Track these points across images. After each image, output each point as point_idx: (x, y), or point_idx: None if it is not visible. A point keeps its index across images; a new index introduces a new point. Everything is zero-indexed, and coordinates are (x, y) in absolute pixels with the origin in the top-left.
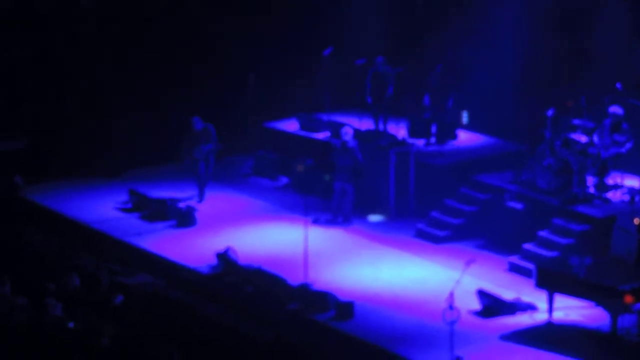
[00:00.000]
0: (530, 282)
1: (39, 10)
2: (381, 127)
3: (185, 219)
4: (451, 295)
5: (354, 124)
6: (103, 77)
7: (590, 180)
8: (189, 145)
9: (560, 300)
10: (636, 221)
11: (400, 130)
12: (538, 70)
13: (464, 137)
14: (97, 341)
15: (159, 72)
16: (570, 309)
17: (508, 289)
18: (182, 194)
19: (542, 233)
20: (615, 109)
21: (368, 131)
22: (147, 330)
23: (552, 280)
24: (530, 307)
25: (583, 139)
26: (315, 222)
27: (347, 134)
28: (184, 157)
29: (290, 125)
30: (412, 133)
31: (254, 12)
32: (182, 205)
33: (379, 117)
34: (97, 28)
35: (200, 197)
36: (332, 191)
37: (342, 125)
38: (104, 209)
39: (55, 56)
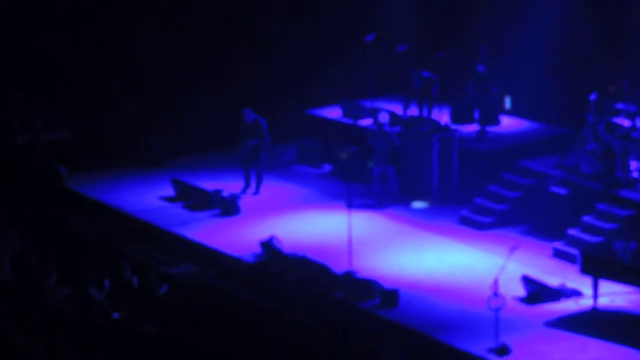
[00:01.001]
0: (575, 268)
1: None
2: (424, 113)
3: (229, 207)
4: (496, 281)
5: (396, 111)
6: (145, 64)
7: (634, 165)
8: (242, 136)
9: (606, 286)
10: None
11: (443, 116)
12: (580, 52)
13: (507, 123)
14: (142, 330)
15: (201, 59)
16: (616, 295)
17: (553, 275)
18: (228, 185)
19: (587, 218)
20: None
21: (411, 117)
22: (192, 319)
23: (597, 266)
24: (576, 293)
25: (626, 123)
26: (351, 206)
27: (384, 117)
28: (239, 148)
29: (333, 112)
30: (455, 119)
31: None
32: (225, 194)
33: (422, 102)
34: (138, 15)
35: (245, 188)
36: (372, 177)
37: (380, 112)
38: (147, 199)
39: (97, 43)
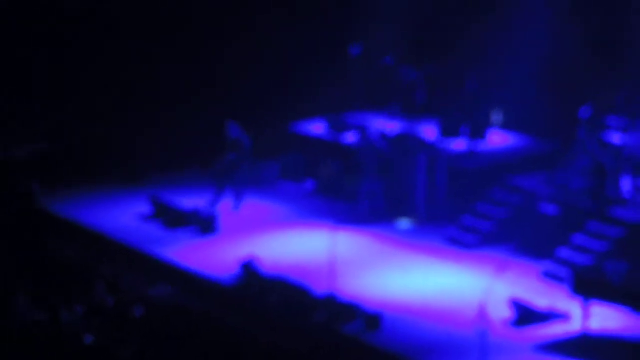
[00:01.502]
0: (565, 290)
1: (60, 6)
2: (411, 128)
3: (207, 226)
4: (483, 304)
5: (383, 126)
6: (123, 80)
7: (626, 183)
8: (223, 150)
9: (596, 309)
10: None
11: (430, 132)
12: (571, 66)
13: (496, 138)
14: (118, 354)
15: (182, 74)
16: (607, 318)
17: (541, 297)
18: (206, 202)
19: (577, 238)
20: None
21: (398, 133)
22: (169, 342)
23: (587, 288)
24: (565, 316)
25: (618, 139)
26: (335, 225)
27: (374, 133)
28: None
29: (318, 128)
30: (443, 134)
31: (279, 11)
32: (204, 212)
33: (408, 117)
34: (119, 28)
35: (215, 203)
36: (359, 194)
37: (367, 127)
38: (124, 217)
39: (77, 60)
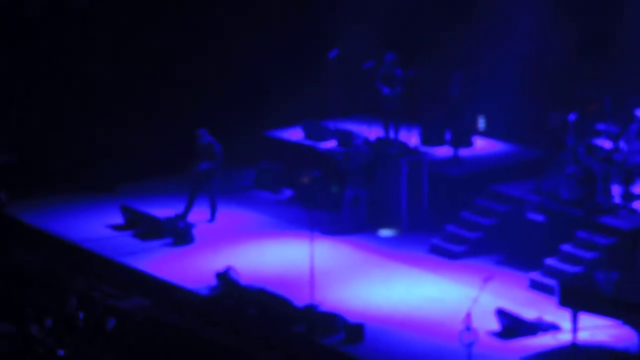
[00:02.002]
0: (553, 300)
1: (27, 14)
2: (392, 134)
3: (182, 236)
4: (468, 315)
5: (362, 132)
6: (93, 86)
7: (616, 190)
8: (192, 159)
9: (586, 319)
10: None
11: (412, 138)
12: (559, 71)
13: (481, 144)
14: None
15: (153, 79)
16: (596, 329)
17: (529, 307)
18: (179, 211)
19: (565, 247)
20: (632, 113)
21: (378, 139)
22: (143, 356)
23: (576, 298)
24: (553, 327)
25: (607, 144)
26: (314, 234)
27: (359, 137)
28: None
29: (295, 134)
30: (425, 140)
31: (254, 15)
32: (178, 221)
33: (389, 123)
34: (88, 36)
35: (187, 213)
36: (342, 202)
37: (349, 133)
38: (95, 227)
39: (42, 64)
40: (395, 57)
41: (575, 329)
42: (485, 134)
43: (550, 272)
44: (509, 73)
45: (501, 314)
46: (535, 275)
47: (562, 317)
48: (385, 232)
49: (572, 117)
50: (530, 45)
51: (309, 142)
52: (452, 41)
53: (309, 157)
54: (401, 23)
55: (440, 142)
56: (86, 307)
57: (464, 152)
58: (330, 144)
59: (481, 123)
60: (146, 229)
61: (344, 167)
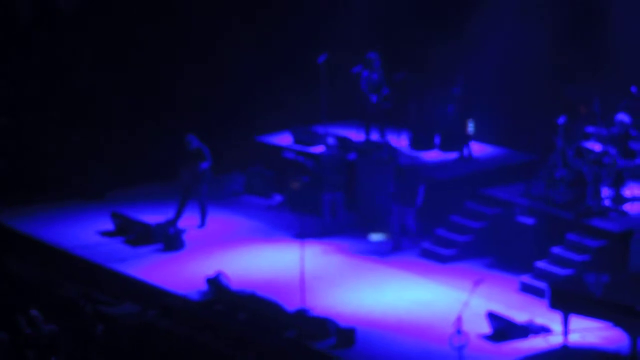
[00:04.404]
0: (544, 303)
1: (16, 19)
2: (380, 138)
3: (172, 242)
4: (459, 318)
5: (352, 136)
6: (84, 92)
7: (606, 192)
8: (182, 164)
9: (576, 322)
10: None
11: (401, 142)
12: (548, 73)
13: (471, 148)
14: None
15: (143, 85)
16: (587, 331)
17: (520, 310)
18: (169, 217)
19: (556, 250)
20: (622, 117)
21: (367, 143)
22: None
23: (566, 301)
24: (544, 330)
25: (597, 147)
26: (304, 239)
27: (332, 140)
28: (179, 176)
29: (284, 139)
30: (415, 144)
31: (244, 21)
32: (168, 227)
33: (378, 126)
34: (77, 43)
35: (177, 219)
36: (321, 205)
37: (338, 137)
38: (85, 233)
39: (32, 71)
40: (378, 56)
41: (566, 332)
42: (475, 137)
43: (541, 274)
44: (500, 77)
45: (492, 317)
46: (526, 278)
47: (552, 320)
48: (375, 237)
49: (561, 120)
50: (521, 50)
51: (298, 147)
52: (441, 45)
53: (299, 162)
54: (390, 27)
55: (430, 147)
56: (75, 313)
57: (456, 155)
58: (320, 149)
59: (470, 127)
60: (137, 235)
61: (317, 171)
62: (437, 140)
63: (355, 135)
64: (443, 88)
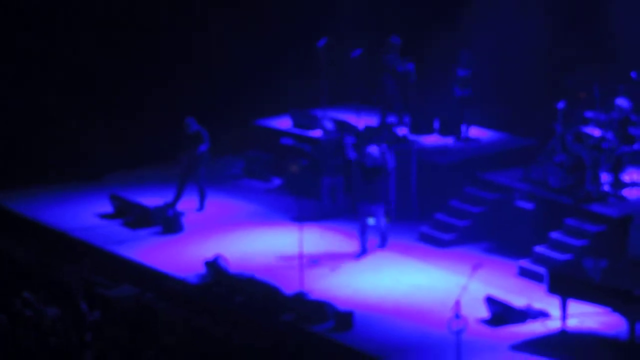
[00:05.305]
0: (542, 288)
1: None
2: (381, 122)
3: (171, 225)
4: (457, 302)
5: (352, 120)
6: (81, 74)
7: (605, 177)
8: (181, 147)
9: (575, 307)
10: None
11: (401, 126)
12: (547, 58)
13: (470, 133)
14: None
15: (142, 66)
16: (585, 316)
17: (518, 295)
18: (168, 200)
19: (555, 234)
20: (621, 102)
21: (367, 128)
22: (131, 346)
23: (565, 285)
24: (543, 315)
25: (596, 132)
26: (303, 223)
27: (329, 124)
28: (178, 159)
29: (283, 123)
30: (414, 129)
31: (242, 3)
32: (167, 210)
33: (390, 111)
34: (77, 23)
35: (176, 201)
36: (320, 190)
37: (338, 121)
38: (83, 216)
39: (29, 52)
40: (400, 42)
41: (564, 316)
42: (475, 122)
43: (540, 259)
44: (499, 62)
45: (490, 301)
46: (525, 263)
47: (551, 305)
48: (374, 220)
49: (560, 105)
50: (522, 35)
51: (297, 131)
52: (444, 29)
53: (298, 146)
54: (391, 11)
55: (430, 131)
56: (72, 296)
57: (456, 139)
58: (319, 133)
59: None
60: (135, 217)
61: (316, 156)
62: (436, 124)
63: (356, 119)
64: (444, 71)
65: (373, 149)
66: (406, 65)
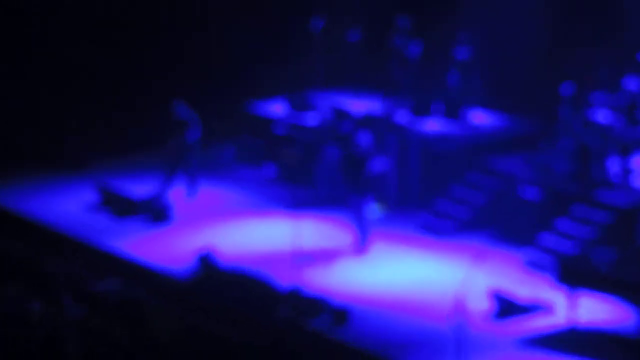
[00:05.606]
0: (548, 278)
1: None
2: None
3: (159, 215)
4: (460, 295)
5: (349, 104)
6: (65, 59)
7: (612, 165)
8: (172, 133)
9: (582, 298)
10: None
11: (401, 111)
12: (553, 40)
13: (473, 117)
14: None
15: (128, 50)
16: (593, 307)
17: (524, 287)
18: (157, 189)
19: (561, 224)
20: (629, 86)
21: (367, 115)
22: (117, 342)
23: (572, 276)
24: (549, 308)
25: (602, 117)
26: (298, 213)
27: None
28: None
29: (279, 107)
30: (416, 111)
31: None
32: (155, 199)
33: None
34: (60, 8)
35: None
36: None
37: (335, 108)
38: (68, 206)
39: (9, 41)
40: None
41: (572, 309)
42: (477, 105)
43: (545, 249)
44: (502, 44)
45: (494, 294)
46: (530, 254)
47: (557, 296)
48: (373, 210)
49: (566, 90)
50: (526, 16)
51: (292, 117)
52: (443, 12)
53: (294, 132)
54: None
55: (430, 115)
56: (55, 290)
57: (455, 125)
58: (316, 118)
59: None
60: (123, 208)
61: (312, 143)
62: (438, 109)
63: (356, 105)
64: (443, 54)
65: (363, 139)
66: (414, 48)
